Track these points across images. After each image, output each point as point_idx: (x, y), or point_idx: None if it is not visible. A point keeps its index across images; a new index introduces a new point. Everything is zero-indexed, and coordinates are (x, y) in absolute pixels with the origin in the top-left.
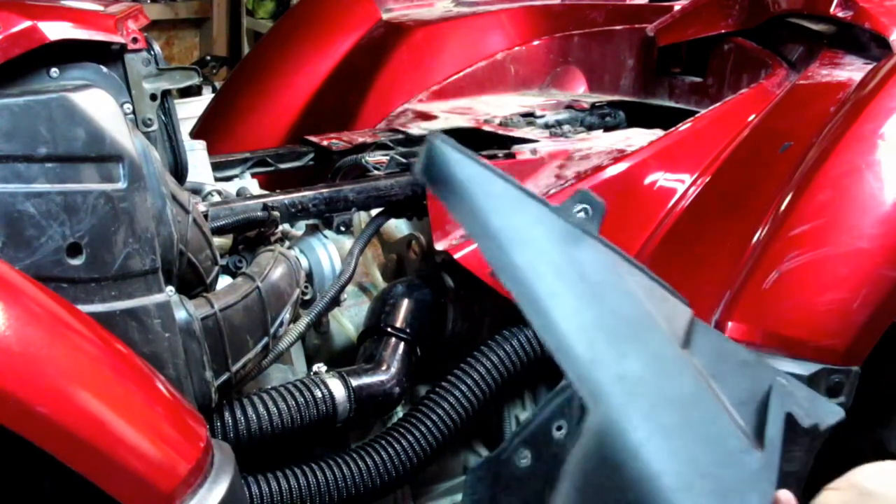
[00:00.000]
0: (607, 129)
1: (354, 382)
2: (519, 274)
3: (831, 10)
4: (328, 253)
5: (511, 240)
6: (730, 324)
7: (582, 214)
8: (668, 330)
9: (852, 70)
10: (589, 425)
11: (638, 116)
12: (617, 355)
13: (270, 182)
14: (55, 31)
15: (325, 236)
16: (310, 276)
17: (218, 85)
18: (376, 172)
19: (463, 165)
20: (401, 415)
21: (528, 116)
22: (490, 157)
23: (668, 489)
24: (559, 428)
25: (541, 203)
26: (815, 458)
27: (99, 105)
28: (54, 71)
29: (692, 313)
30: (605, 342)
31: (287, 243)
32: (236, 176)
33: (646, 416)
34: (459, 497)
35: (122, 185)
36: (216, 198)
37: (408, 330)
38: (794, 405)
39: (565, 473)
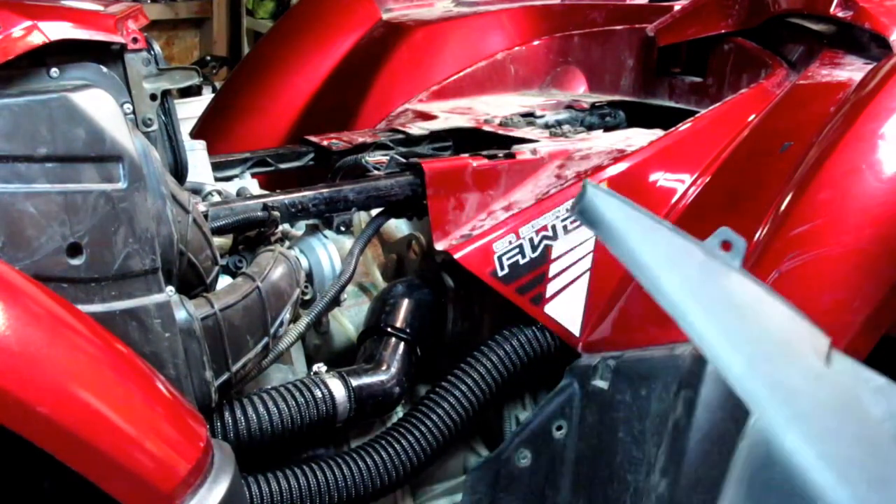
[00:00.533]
0: (607, 129)
1: (354, 382)
2: (672, 302)
3: (831, 10)
4: (328, 253)
5: (664, 272)
6: None
7: (723, 251)
8: (813, 352)
9: (852, 70)
10: (753, 425)
11: (638, 116)
12: (772, 367)
13: (270, 182)
14: (55, 31)
15: (325, 236)
16: (310, 276)
17: (218, 85)
18: (376, 172)
19: (615, 207)
20: (401, 415)
21: (528, 116)
22: (490, 157)
23: (829, 480)
24: (559, 428)
25: (688, 240)
26: None
27: (99, 105)
28: (54, 71)
29: (831, 340)
30: (759, 356)
31: (287, 243)
32: (236, 176)
33: (802, 417)
34: (459, 497)
35: (122, 185)
36: (216, 198)
37: (408, 330)
38: None
39: (731, 475)
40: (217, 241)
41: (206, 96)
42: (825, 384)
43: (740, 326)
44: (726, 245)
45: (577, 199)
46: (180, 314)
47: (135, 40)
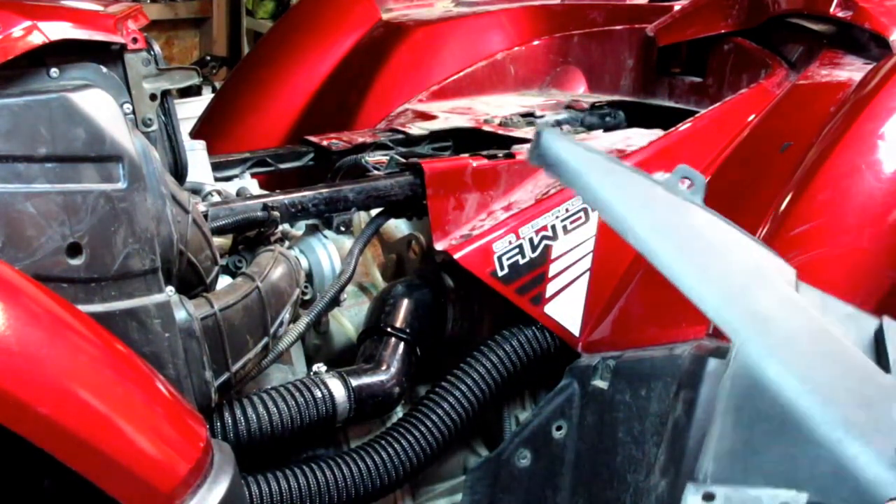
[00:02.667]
0: (607, 129)
1: (354, 382)
2: (644, 239)
3: (831, 10)
4: (328, 253)
5: (629, 211)
6: None
7: (684, 187)
8: (783, 282)
9: (852, 70)
10: (735, 357)
11: (638, 116)
12: (746, 297)
13: (270, 182)
14: (55, 31)
15: (325, 236)
16: (310, 276)
17: (218, 85)
18: (376, 172)
19: (571, 152)
20: (401, 415)
21: (528, 116)
22: (490, 157)
23: (816, 404)
24: (559, 428)
25: (648, 178)
26: None
27: (99, 105)
28: (54, 71)
29: (796, 272)
30: (734, 286)
31: (287, 243)
32: (236, 176)
33: (781, 344)
34: (459, 497)
35: (122, 185)
36: (216, 198)
37: (408, 330)
38: None
39: (718, 407)
40: (217, 241)
41: (206, 96)
42: (798, 312)
43: (711, 260)
44: (685, 182)
45: (534, 144)
46: (180, 314)
47: (135, 40)
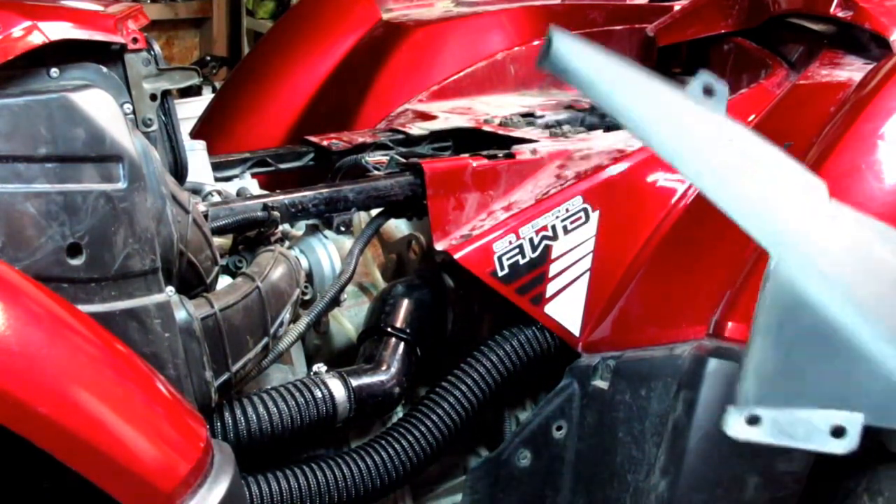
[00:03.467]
0: (608, 129)
1: (354, 382)
2: (672, 149)
3: (831, 10)
4: (328, 253)
5: (654, 122)
6: (730, 324)
7: (705, 96)
8: (816, 196)
9: (852, 70)
10: (773, 273)
11: None
12: (783, 210)
13: (270, 182)
14: (55, 31)
15: (325, 236)
16: (310, 276)
17: (218, 85)
18: (376, 172)
19: (585, 56)
20: (401, 415)
21: (528, 116)
22: (490, 157)
23: (864, 318)
24: (559, 428)
25: (672, 88)
26: (815, 458)
27: (99, 105)
28: (54, 71)
29: (827, 185)
30: (769, 198)
31: (287, 243)
32: (236, 176)
33: (822, 258)
34: (459, 497)
35: (122, 185)
36: (216, 198)
37: (408, 330)
38: None
39: (758, 322)
40: (217, 241)
41: (206, 96)
42: (837, 226)
43: (743, 171)
44: (708, 90)
45: (544, 48)
46: (180, 314)
47: (135, 40)
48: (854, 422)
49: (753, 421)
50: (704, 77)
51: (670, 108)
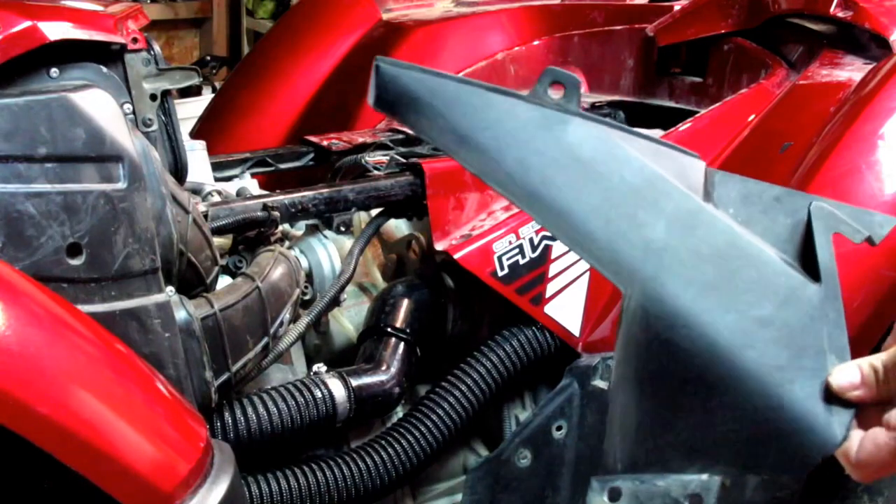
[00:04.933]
0: None
1: (354, 382)
2: (508, 176)
3: (831, 10)
4: (328, 253)
5: (490, 143)
6: None
7: (557, 94)
8: (684, 186)
9: (852, 70)
10: (627, 307)
11: (638, 116)
12: (635, 226)
13: (270, 182)
14: (55, 31)
15: (325, 236)
16: (310, 276)
17: (218, 85)
18: (376, 172)
19: (415, 80)
20: (401, 415)
21: None
22: None
23: (730, 348)
24: (559, 428)
25: (509, 95)
26: None
27: (99, 105)
28: (54, 71)
29: (705, 164)
30: (618, 217)
31: (287, 243)
32: (236, 176)
33: (683, 279)
34: (459, 497)
35: (122, 185)
36: (216, 198)
37: (408, 330)
38: (840, 224)
39: (617, 374)
40: (217, 241)
41: (206, 96)
42: (702, 228)
43: (593, 186)
44: (557, 86)
45: (374, 84)
46: (180, 314)
47: (135, 40)
48: (711, 488)
49: (615, 496)
50: (551, 73)
51: (511, 126)
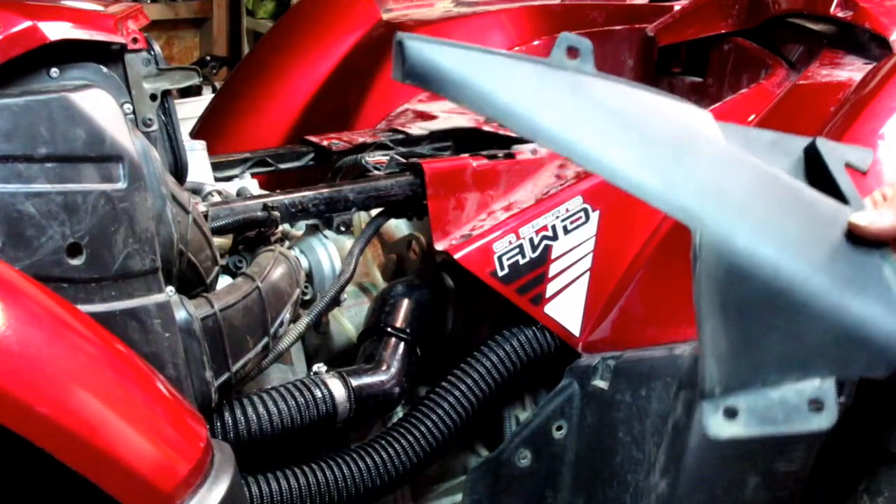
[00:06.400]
0: None
1: (354, 382)
2: (555, 136)
3: (831, 10)
4: (328, 253)
5: (526, 109)
6: None
7: (572, 59)
8: (706, 134)
9: (852, 70)
10: (697, 243)
11: None
12: (683, 172)
13: (270, 182)
14: (55, 31)
15: (325, 236)
16: (310, 276)
17: (218, 85)
18: (376, 172)
19: (442, 53)
20: (401, 415)
21: None
22: (490, 157)
23: (799, 273)
24: (559, 428)
25: (533, 62)
26: (815, 459)
27: (99, 105)
28: (54, 71)
29: (710, 113)
30: (667, 163)
31: (287, 243)
32: (236, 176)
33: (741, 214)
34: (459, 497)
35: (122, 185)
36: (216, 198)
37: (408, 330)
38: (846, 155)
39: (701, 305)
40: (217, 241)
41: (206, 96)
42: (742, 166)
43: (634, 137)
44: (572, 52)
45: (398, 59)
46: (180, 314)
47: (135, 40)
48: (827, 390)
49: (731, 414)
50: (565, 38)
51: (541, 88)
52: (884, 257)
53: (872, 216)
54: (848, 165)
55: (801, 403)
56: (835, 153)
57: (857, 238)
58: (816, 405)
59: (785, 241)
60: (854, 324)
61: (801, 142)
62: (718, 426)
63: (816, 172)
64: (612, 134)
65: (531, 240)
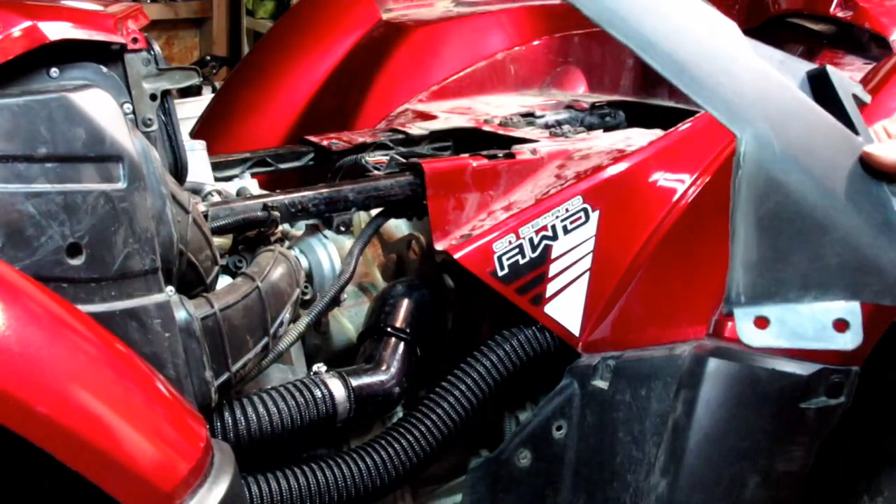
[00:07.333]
0: (607, 129)
1: (354, 382)
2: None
3: (831, 10)
4: (328, 253)
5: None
6: (730, 324)
7: None
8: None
9: (852, 70)
10: (740, 150)
11: (638, 116)
12: (730, 76)
13: (270, 182)
14: (55, 31)
15: (325, 236)
16: (310, 276)
17: (218, 85)
18: (376, 172)
19: None
20: (401, 415)
21: (528, 116)
22: (490, 157)
23: (823, 197)
24: (559, 428)
25: None
26: (815, 459)
27: (99, 105)
28: (54, 71)
29: (735, 24)
30: (716, 69)
31: (287, 243)
32: (236, 176)
33: (778, 131)
34: (459, 497)
35: (122, 185)
36: (216, 198)
37: (408, 330)
38: (853, 87)
39: (736, 215)
40: (217, 241)
41: (206, 96)
42: (769, 79)
43: (686, 37)
44: None
45: None
46: (180, 314)
47: (135, 40)
48: (853, 312)
49: (762, 324)
50: None
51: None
52: (892, 190)
53: (885, 148)
54: (854, 97)
55: (828, 322)
56: (843, 83)
57: (869, 168)
58: (842, 325)
59: (813, 164)
60: (869, 253)
61: (804, 65)
62: (752, 335)
63: (823, 97)
64: (670, 31)
65: (531, 240)
